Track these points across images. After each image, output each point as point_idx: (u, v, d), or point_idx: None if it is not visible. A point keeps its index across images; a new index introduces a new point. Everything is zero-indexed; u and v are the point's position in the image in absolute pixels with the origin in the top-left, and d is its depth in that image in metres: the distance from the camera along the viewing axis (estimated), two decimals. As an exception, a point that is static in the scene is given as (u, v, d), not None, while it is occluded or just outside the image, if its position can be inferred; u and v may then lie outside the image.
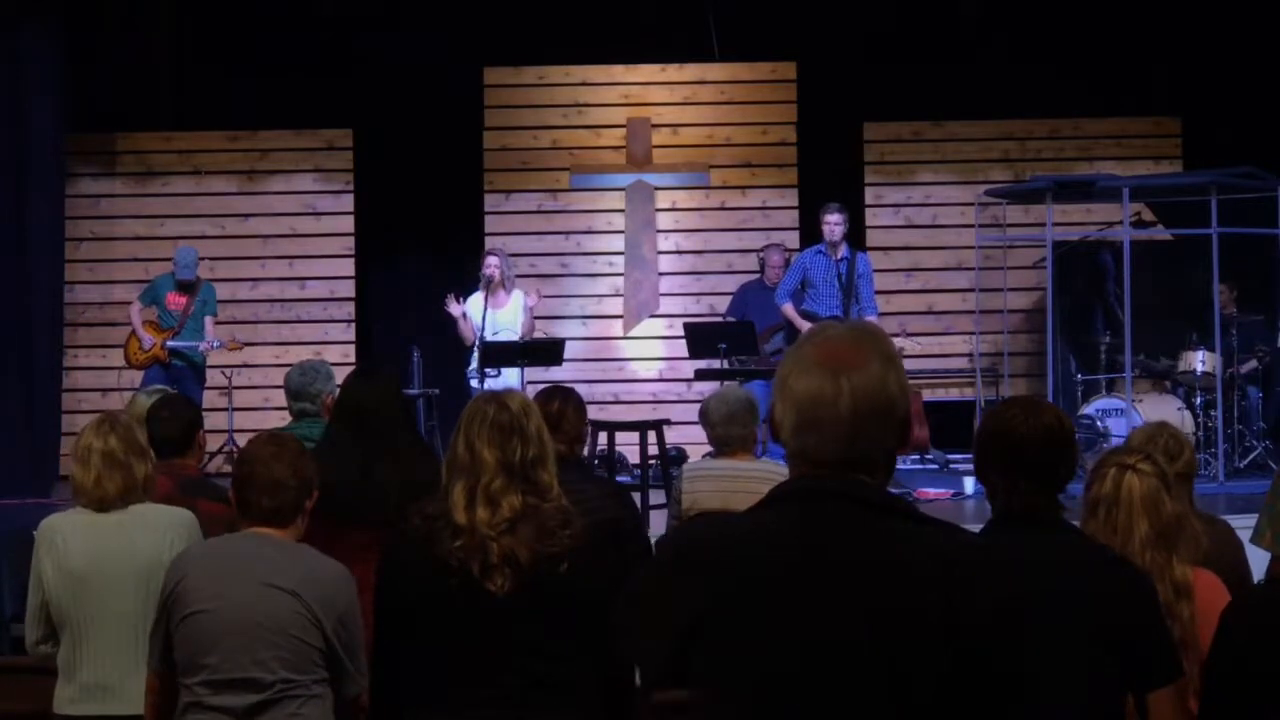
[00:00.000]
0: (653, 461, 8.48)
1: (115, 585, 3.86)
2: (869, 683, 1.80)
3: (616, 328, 11.63)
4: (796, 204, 11.53)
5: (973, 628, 1.81)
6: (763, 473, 5.19)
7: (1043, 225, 10.03)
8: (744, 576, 1.87)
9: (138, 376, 10.03)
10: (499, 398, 3.18)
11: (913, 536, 1.89)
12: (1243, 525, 4.60)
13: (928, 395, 10.95)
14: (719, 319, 10.99)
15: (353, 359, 11.27)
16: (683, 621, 1.88)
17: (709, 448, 6.22)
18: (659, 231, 11.65)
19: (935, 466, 10.16)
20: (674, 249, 11.68)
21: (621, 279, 11.62)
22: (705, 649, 1.87)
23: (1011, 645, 1.83)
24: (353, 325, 11.60)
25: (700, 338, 9.71)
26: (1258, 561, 4.10)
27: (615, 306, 11.62)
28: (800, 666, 1.82)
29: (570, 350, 9.89)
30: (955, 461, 10.08)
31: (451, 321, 9.62)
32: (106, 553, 3.87)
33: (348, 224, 11.63)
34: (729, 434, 5.25)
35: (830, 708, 1.81)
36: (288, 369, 5.31)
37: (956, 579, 1.83)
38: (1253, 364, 10.21)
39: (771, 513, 1.94)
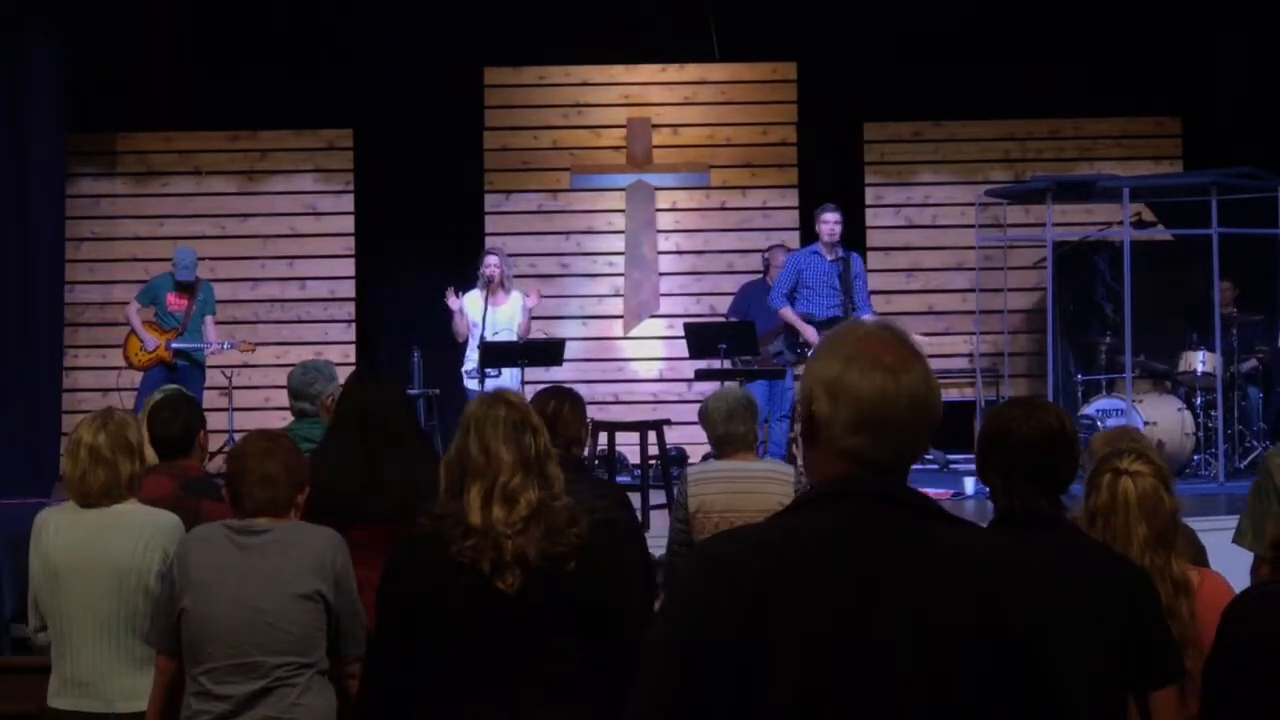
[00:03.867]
0: (653, 462, 8.47)
1: (89, 583, 3.88)
2: (912, 685, 1.79)
3: (616, 328, 11.63)
4: (797, 204, 11.53)
5: (1014, 629, 1.81)
6: (768, 473, 5.18)
7: (1043, 225, 10.04)
8: (781, 580, 1.84)
9: (138, 377, 10.03)
10: (502, 397, 3.21)
11: (950, 539, 1.88)
12: (1243, 525, 4.61)
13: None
14: (719, 319, 10.98)
15: (353, 359, 11.27)
16: (716, 629, 1.84)
17: (709, 449, 6.21)
18: (659, 232, 11.65)
19: (935, 466, 10.15)
20: (674, 249, 11.68)
21: (622, 279, 11.62)
22: (740, 657, 1.83)
23: (1050, 643, 1.83)
24: (353, 325, 11.60)
25: (700, 338, 9.70)
26: (1236, 562, 4.11)
27: (615, 307, 11.62)
28: (838, 669, 1.80)
29: (570, 350, 9.89)
30: (955, 461, 10.08)
31: (451, 317, 9.62)
32: (82, 551, 3.89)
33: (348, 224, 11.63)
34: (731, 432, 5.24)
35: (872, 710, 1.80)
36: (288, 369, 5.31)
37: (995, 581, 1.84)
38: (1253, 364, 10.21)
39: (809, 514, 1.91)
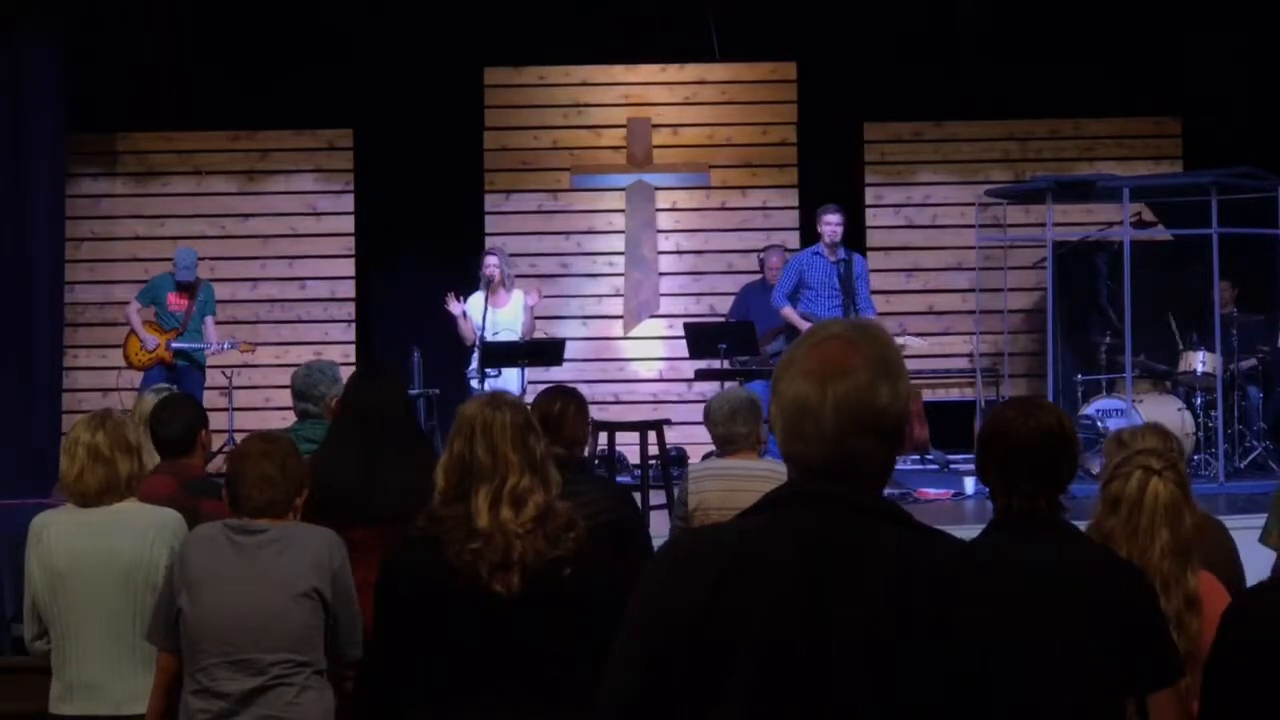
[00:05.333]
0: (653, 462, 8.47)
1: (97, 585, 3.86)
2: (855, 686, 1.79)
3: (617, 328, 11.63)
4: (797, 204, 11.53)
5: (961, 633, 1.80)
6: (767, 472, 5.18)
7: (1043, 225, 10.04)
8: (734, 581, 1.86)
9: (138, 377, 10.03)
10: (505, 400, 3.22)
11: (901, 542, 1.88)
12: (1243, 525, 4.63)
13: (928, 395, 10.95)
14: (719, 319, 10.99)
15: (353, 359, 11.27)
16: (673, 627, 1.87)
17: (710, 448, 6.22)
18: (659, 231, 11.65)
19: (935, 466, 10.15)
20: (674, 249, 11.68)
21: (622, 279, 11.62)
22: (694, 656, 1.86)
23: (1001, 649, 1.83)
24: (353, 325, 11.60)
25: (700, 338, 9.70)
26: (1254, 561, 4.13)
27: (615, 306, 11.62)
28: (788, 671, 1.82)
29: (570, 350, 9.89)
30: (955, 461, 10.08)
31: (452, 320, 9.62)
32: (88, 553, 3.87)
33: (348, 224, 11.63)
34: (732, 432, 5.24)
35: (817, 711, 1.80)
36: (288, 369, 5.31)
37: (944, 585, 1.83)
38: (1253, 363, 10.20)
39: (763, 518, 1.94)
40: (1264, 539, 4.18)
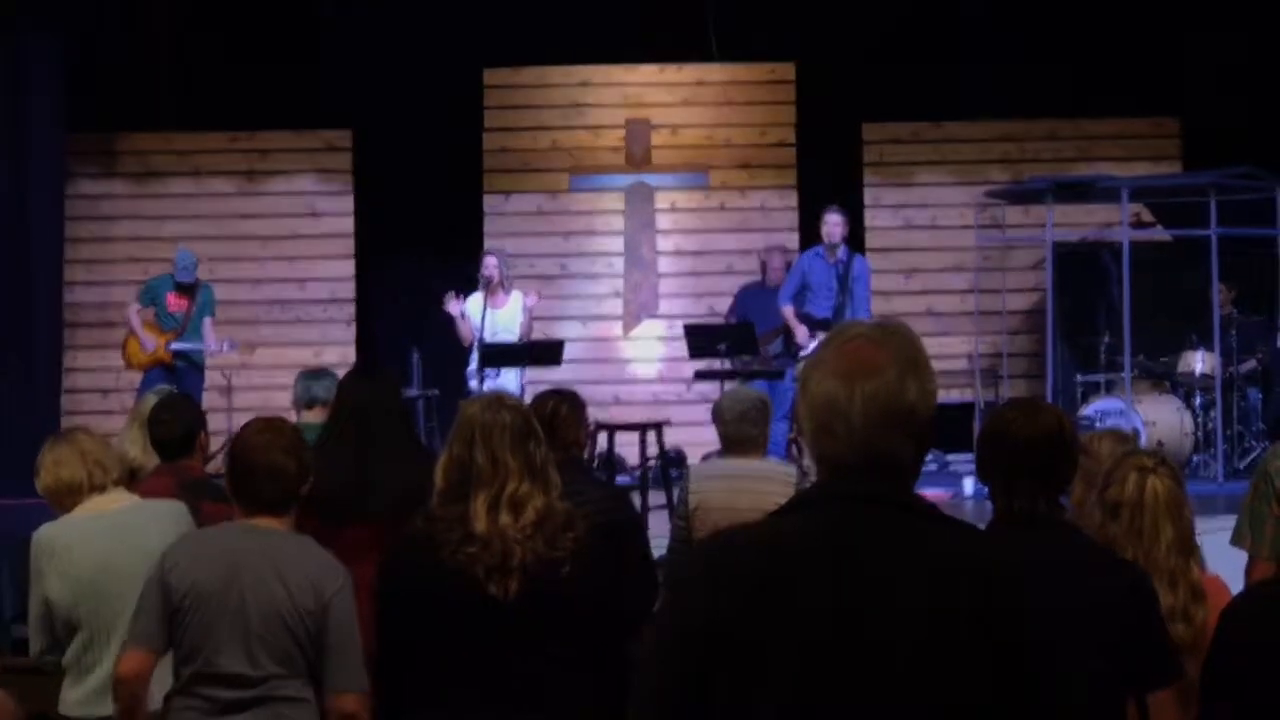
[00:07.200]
0: (652, 462, 8.47)
1: (132, 585, 3.79)
2: (893, 686, 1.79)
3: (616, 329, 11.63)
4: (796, 205, 11.53)
5: (1008, 629, 1.81)
6: (770, 472, 5.18)
7: (1042, 226, 10.05)
8: (773, 581, 1.86)
9: (137, 377, 10.03)
10: (505, 402, 3.20)
11: (936, 537, 1.89)
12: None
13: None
14: (718, 320, 10.99)
15: (353, 359, 11.27)
16: (711, 630, 1.86)
17: (708, 449, 6.23)
18: (658, 232, 11.65)
19: (934, 467, 10.16)
20: (673, 250, 11.68)
21: (621, 280, 11.62)
22: (734, 658, 1.85)
23: (1045, 642, 1.83)
24: (353, 325, 11.60)
25: (700, 338, 9.71)
26: (1237, 564, 4.13)
27: (615, 307, 11.62)
28: (832, 670, 1.81)
29: (570, 351, 9.87)
30: (955, 461, 10.09)
31: (451, 320, 9.62)
32: (115, 556, 3.84)
33: (348, 224, 11.63)
34: (740, 433, 5.24)
35: (855, 712, 1.80)
36: (289, 370, 5.32)
37: (988, 581, 1.84)
38: (1252, 364, 10.21)
39: (797, 517, 1.94)
40: (1235, 540, 4.19)
